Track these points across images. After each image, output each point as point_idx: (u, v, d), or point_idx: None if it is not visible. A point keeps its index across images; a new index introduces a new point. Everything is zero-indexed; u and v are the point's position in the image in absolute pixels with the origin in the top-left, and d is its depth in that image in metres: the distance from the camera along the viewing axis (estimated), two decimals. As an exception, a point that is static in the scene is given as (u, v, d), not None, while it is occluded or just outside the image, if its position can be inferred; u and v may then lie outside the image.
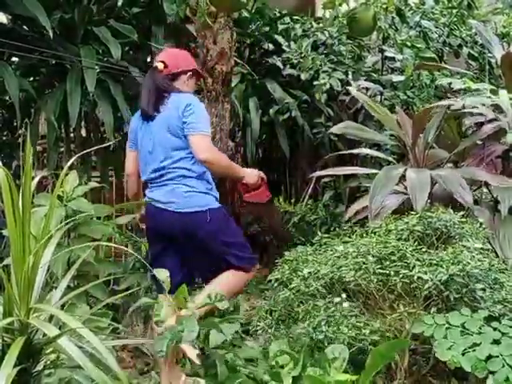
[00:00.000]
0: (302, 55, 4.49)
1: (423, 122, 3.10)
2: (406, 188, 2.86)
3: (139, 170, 2.85)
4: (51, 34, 3.36)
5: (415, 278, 2.10)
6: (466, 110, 2.89)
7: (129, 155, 2.91)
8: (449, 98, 3.76)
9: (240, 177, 2.86)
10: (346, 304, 2.19)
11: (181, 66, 2.80)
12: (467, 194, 2.70)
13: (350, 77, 4.44)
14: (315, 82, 4.27)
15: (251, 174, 2.89)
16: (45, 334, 1.63)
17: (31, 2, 3.37)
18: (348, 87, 4.02)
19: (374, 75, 4.62)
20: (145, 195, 2.88)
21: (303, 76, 4.38)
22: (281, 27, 4.98)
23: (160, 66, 2.75)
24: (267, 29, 4.99)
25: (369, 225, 2.65)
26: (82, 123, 4.34)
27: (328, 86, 4.19)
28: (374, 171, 3.16)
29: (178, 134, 2.65)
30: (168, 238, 2.70)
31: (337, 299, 2.22)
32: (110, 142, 3.72)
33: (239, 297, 3.25)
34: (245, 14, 4.67)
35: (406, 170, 2.91)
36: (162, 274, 2.25)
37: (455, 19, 5.02)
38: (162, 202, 2.68)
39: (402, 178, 2.91)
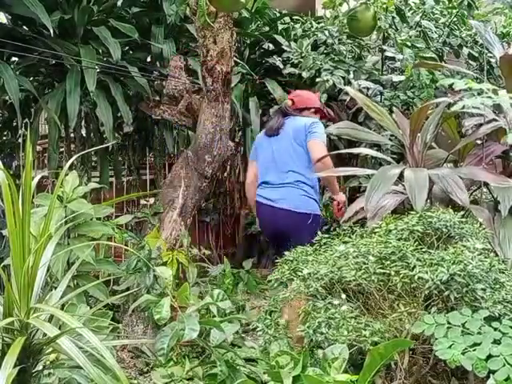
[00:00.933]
0: (303, 55, 4.48)
1: (420, 120, 3.09)
2: (405, 188, 2.85)
3: (258, 175, 3.62)
4: (52, 34, 3.35)
5: (416, 277, 2.10)
6: (465, 110, 2.88)
7: (252, 165, 3.75)
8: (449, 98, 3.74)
9: (335, 190, 3.62)
10: (344, 307, 2.18)
11: (304, 104, 3.72)
12: (463, 193, 2.69)
13: (352, 76, 4.44)
14: (317, 79, 4.27)
15: (342, 195, 3.66)
16: (45, 334, 1.63)
17: (31, 1, 3.36)
18: (347, 87, 4.02)
19: (376, 73, 4.61)
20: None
21: (304, 74, 4.38)
22: (281, 27, 4.97)
23: (289, 102, 3.73)
24: (267, 29, 5.00)
25: (367, 225, 2.65)
26: (82, 123, 4.33)
27: (331, 82, 4.21)
28: (374, 172, 3.15)
29: (302, 143, 3.47)
30: (274, 231, 3.44)
31: (336, 301, 2.22)
32: (110, 143, 3.71)
33: (239, 297, 3.26)
34: (245, 13, 4.67)
35: (403, 169, 2.90)
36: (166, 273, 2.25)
37: (455, 19, 5.01)
38: (274, 201, 3.40)
39: (401, 177, 2.90)
